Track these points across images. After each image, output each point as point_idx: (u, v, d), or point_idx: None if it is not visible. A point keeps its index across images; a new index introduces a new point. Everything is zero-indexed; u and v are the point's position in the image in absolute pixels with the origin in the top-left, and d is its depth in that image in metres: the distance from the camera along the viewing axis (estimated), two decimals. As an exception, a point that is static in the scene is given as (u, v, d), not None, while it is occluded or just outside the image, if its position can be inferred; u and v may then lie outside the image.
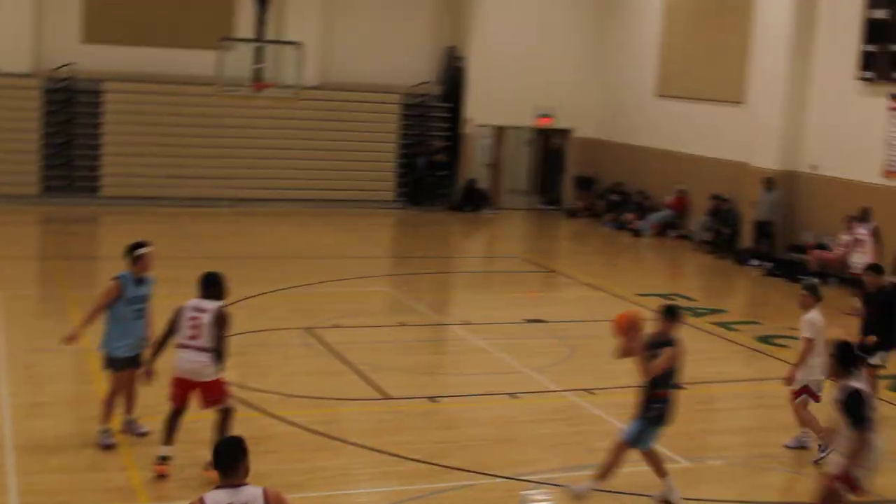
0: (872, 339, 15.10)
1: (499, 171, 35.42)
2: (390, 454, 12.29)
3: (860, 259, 21.94)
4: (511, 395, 15.18)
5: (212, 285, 11.49)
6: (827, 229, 25.90)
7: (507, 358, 17.10)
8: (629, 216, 31.88)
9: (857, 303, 17.24)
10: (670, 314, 11.67)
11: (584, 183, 35.28)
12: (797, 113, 27.06)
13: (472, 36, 33.47)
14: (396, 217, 32.20)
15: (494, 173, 35.51)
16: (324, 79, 32.42)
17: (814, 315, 13.47)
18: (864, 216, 22.12)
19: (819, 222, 26.44)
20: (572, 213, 34.34)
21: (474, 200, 33.80)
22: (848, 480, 9.89)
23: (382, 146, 32.95)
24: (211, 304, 11.30)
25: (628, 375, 15.88)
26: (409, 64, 33.71)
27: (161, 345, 11.55)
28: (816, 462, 13.00)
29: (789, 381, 13.52)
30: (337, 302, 20.43)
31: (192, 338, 11.20)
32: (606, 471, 11.32)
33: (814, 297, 13.62)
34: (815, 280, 14.89)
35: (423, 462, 12.24)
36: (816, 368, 13.30)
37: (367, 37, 33.20)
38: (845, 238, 23.90)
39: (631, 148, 33.76)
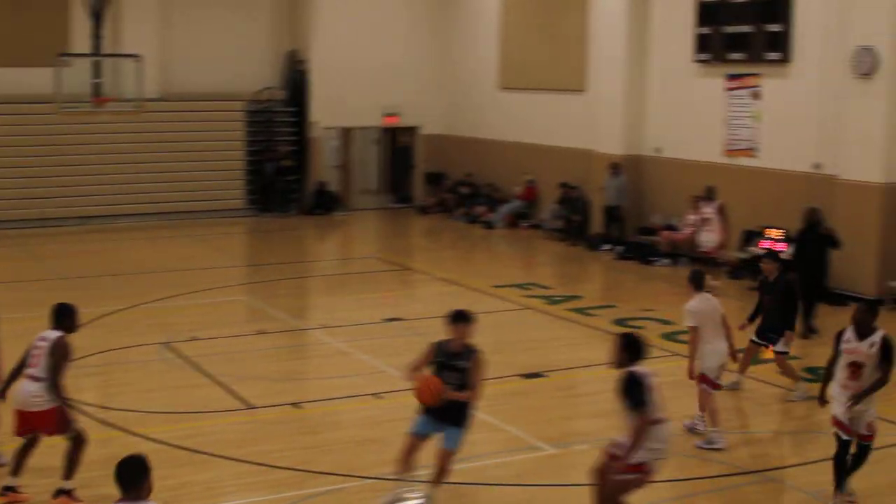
0: (792, 336, 15.63)
1: (348, 172, 35.37)
2: (257, 464, 12.19)
3: (708, 237, 22.44)
4: (375, 395, 15.17)
5: (60, 316, 11.23)
6: (675, 210, 26.41)
7: (369, 359, 17.08)
8: (480, 209, 32.10)
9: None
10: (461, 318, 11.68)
11: (434, 179, 35.43)
12: (638, 98, 27.54)
13: (312, 39, 33.32)
14: (248, 225, 31.94)
15: (344, 175, 35.45)
16: (165, 90, 31.98)
17: (694, 303, 13.60)
18: (709, 195, 22.59)
19: (666, 204, 26.94)
20: (424, 210, 34.45)
21: (325, 203, 33.69)
22: (636, 466, 9.96)
23: (229, 154, 32.64)
24: (53, 334, 11.07)
25: (491, 368, 16.01)
26: (250, 70, 33.43)
27: (14, 375, 11.31)
28: (698, 446, 13.22)
29: (690, 374, 13.65)
30: (193, 314, 20.18)
31: (31, 367, 11.02)
32: (440, 478, 11.19)
33: (693, 284, 13.78)
34: (699, 268, 15.00)
35: (291, 469, 12.16)
36: (708, 356, 13.50)
37: (206, 46, 32.84)
38: (692, 218, 24.40)
39: (478, 141, 34.00)
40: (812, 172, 23.08)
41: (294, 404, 14.73)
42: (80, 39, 29.44)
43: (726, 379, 14.66)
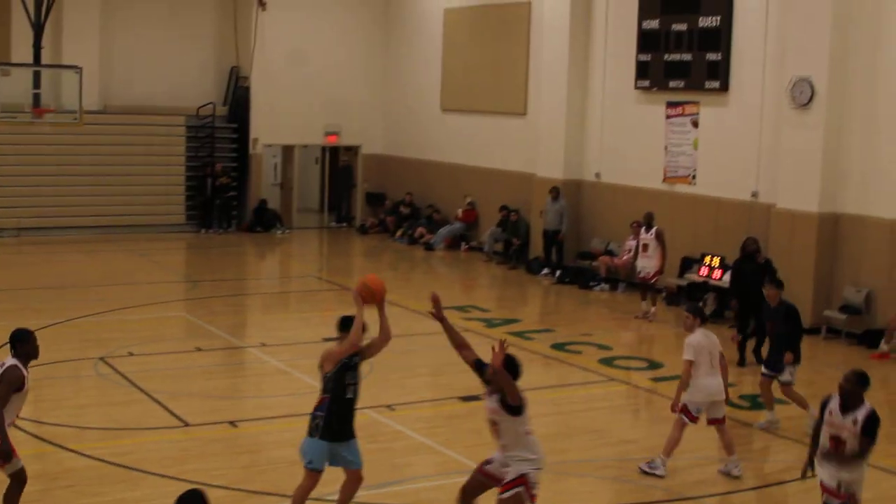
0: (790, 356, 15.22)
1: (289, 190, 35.30)
2: (192, 482, 12.08)
3: (646, 263, 22.57)
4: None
5: (14, 342, 10.54)
6: (614, 236, 26.60)
7: (307, 378, 17.00)
8: (421, 230, 32.13)
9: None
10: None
11: (375, 199, 35.46)
12: (579, 123, 27.71)
13: (255, 56, 33.26)
14: (187, 240, 31.78)
15: (285, 193, 35.40)
16: (106, 103, 31.84)
17: (694, 337, 13.46)
18: (648, 221, 22.76)
19: (606, 229, 27.13)
20: (364, 230, 34.44)
21: (265, 221, 33.60)
22: (517, 480, 10.09)
23: (170, 169, 32.50)
24: (8, 361, 10.40)
25: (428, 389, 16.05)
26: (193, 86, 33.37)
27: None
28: (641, 468, 13.26)
29: (673, 406, 13.57)
30: (130, 329, 20.04)
31: None
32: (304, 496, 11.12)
33: (696, 317, 13.64)
34: (699, 303, 14.83)
35: (227, 488, 12.10)
36: (694, 390, 13.35)
37: (148, 59, 32.76)
38: (631, 243, 24.57)
39: (419, 162, 34.07)
40: (750, 201, 23.32)
41: (231, 423, 14.66)
42: (21, 49, 29.18)
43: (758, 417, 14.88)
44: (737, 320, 19.83)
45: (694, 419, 13.47)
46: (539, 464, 10.13)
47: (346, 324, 11.29)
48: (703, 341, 13.46)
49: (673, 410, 13.57)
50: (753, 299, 18.99)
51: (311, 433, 10.96)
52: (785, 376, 15.30)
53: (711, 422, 13.55)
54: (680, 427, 13.47)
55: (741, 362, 19.04)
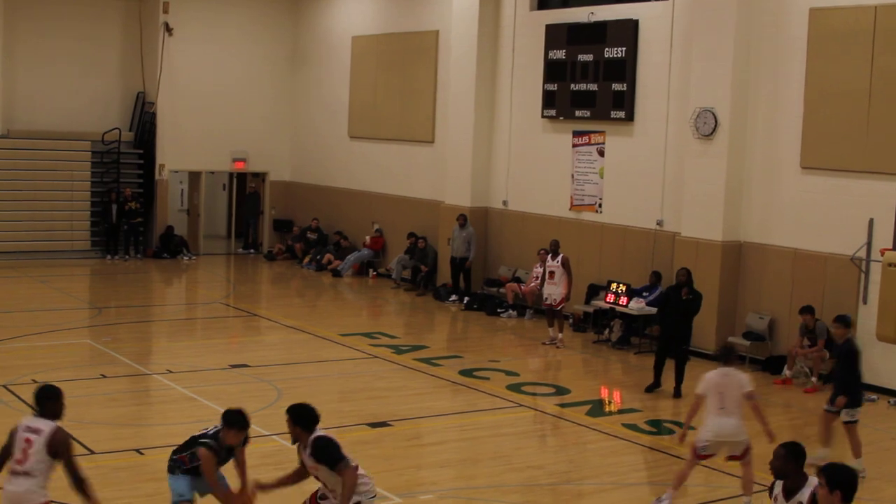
0: (842, 400, 14.98)
1: (196, 216, 35.08)
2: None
3: (552, 290, 22.74)
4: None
5: (46, 400, 9.93)
6: (521, 263, 26.79)
7: (214, 405, 16.91)
8: (328, 257, 32.09)
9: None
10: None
11: (283, 225, 35.37)
12: (486, 151, 27.89)
13: (161, 82, 33.07)
14: (92, 267, 31.41)
15: (191, 219, 35.18)
16: (9, 127, 31.44)
17: (711, 374, 13.30)
18: (554, 249, 22.94)
19: (513, 256, 27.30)
20: (272, 257, 34.33)
21: (172, 247, 33.36)
22: None
23: (75, 195, 32.12)
24: (45, 424, 9.74)
25: (335, 416, 16.02)
26: (98, 111, 33.12)
27: None
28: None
29: (680, 438, 13.53)
30: (34, 357, 19.77)
31: (20, 462, 9.63)
32: None
33: (720, 358, 13.58)
34: (731, 346, 14.39)
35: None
36: (705, 428, 13.25)
37: (53, 83, 32.43)
38: (538, 270, 24.75)
39: (327, 189, 34.06)
40: (655, 229, 23.62)
41: (137, 450, 14.51)
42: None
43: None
44: (657, 345, 19.96)
45: (699, 457, 13.32)
46: (370, 493, 10.31)
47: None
48: (717, 380, 13.21)
49: (680, 441, 13.58)
50: (673, 329, 19.18)
51: (172, 471, 11.14)
52: (844, 416, 15.07)
53: (730, 458, 13.40)
54: (689, 461, 13.35)
55: (655, 386, 19.19)
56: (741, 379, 13.33)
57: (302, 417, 10.20)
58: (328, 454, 10.05)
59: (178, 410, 16.89)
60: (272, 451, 14.89)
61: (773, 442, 12.83)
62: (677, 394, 18.98)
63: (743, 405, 13.24)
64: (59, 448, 9.61)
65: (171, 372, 19.09)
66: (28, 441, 9.65)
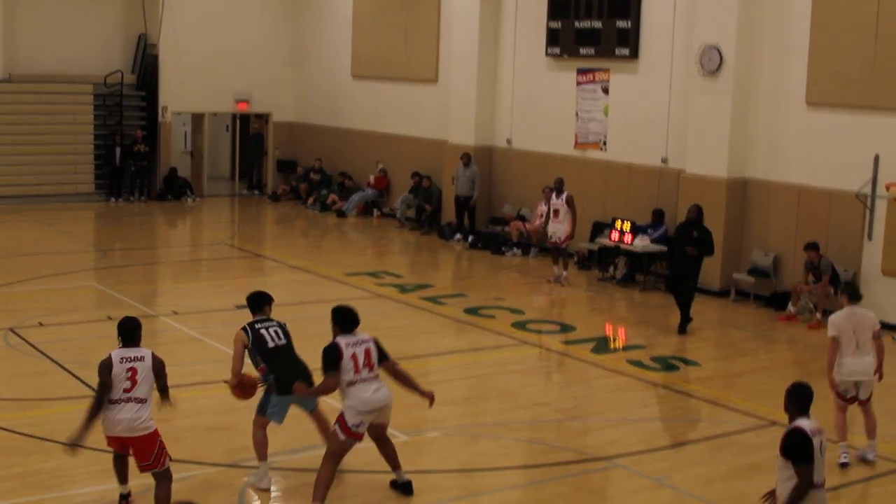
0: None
1: (199, 158, 35.02)
2: (105, 451, 12.00)
3: (557, 229, 22.73)
4: (227, 382, 15.04)
5: (137, 330, 10.78)
6: (526, 201, 26.77)
7: (220, 345, 16.97)
8: (333, 197, 32.07)
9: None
10: None
11: (286, 166, 35.32)
12: (490, 89, 27.78)
13: (163, 24, 32.88)
14: (97, 210, 31.43)
15: (195, 161, 35.13)
16: (10, 71, 31.32)
17: (837, 315, 12.94)
18: (558, 187, 22.89)
19: (517, 195, 27.28)
20: (276, 197, 34.31)
21: (176, 189, 33.33)
22: (346, 427, 10.91)
23: (78, 138, 32.07)
24: (145, 352, 10.64)
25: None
26: (100, 54, 32.95)
27: (99, 404, 10.42)
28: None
29: (831, 385, 12.85)
30: (40, 300, 19.83)
31: (129, 390, 10.37)
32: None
33: (845, 295, 13.06)
34: (853, 280, 13.70)
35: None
36: (840, 370, 12.81)
37: (54, 27, 32.25)
38: (543, 209, 24.73)
39: (331, 130, 33.97)
40: (660, 166, 23.57)
41: (144, 391, 14.56)
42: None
43: None
44: (669, 284, 19.93)
45: (844, 399, 12.80)
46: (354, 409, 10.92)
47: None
48: (848, 320, 12.84)
49: (831, 388, 12.89)
50: (681, 265, 19.18)
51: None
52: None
53: (852, 400, 12.90)
54: (838, 408, 12.91)
55: (685, 322, 19.22)
56: (871, 317, 13.02)
57: (339, 318, 11.41)
58: (323, 359, 11.07)
59: (185, 351, 16.95)
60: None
61: (879, 380, 12.94)
62: (683, 330, 19.03)
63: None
64: (161, 369, 10.60)
65: (176, 313, 19.14)
66: (133, 370, 10.40)
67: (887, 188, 19.05)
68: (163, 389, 10.71)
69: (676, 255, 19.44)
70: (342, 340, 11.16)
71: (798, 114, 21.11)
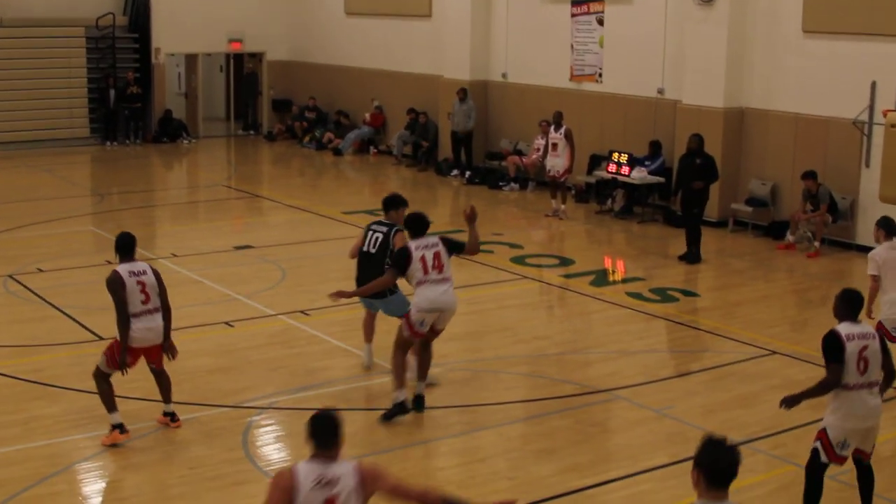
0: None
1: (194, 99, 34.85)
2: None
3: (556, 163, 22.69)
4: (227, 323, 15.14)
5: (133, 245, 11.39)
6: (522, 135, 26.70)
7: (220, 287, 17.01)
8: (329, 135, 31.98)
9: None
10: None
11: (281, 106, 35.17)
12: (484, 23, 27.61)
13: (154, -37, 32.65)
14: (92, 154, 31.35)
15: (190, 102, 34.96)
16: (2, 15, 31.10)
17: (877, 250, 12.66)
18: (557, 121, 22.83)
19: (514, 129, 27.20)
20: (272, 137, 34.21)
21: (171, 131, 33.21)
22: (409, 323, 11.71)
23: (71, 81, 31.90)
24: (146, 266, 11.31)
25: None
26: (90, -5, 32.72)
27: (126, 320, 10.99)
28: None
29: (867, 314, 12.13)
30: (39, 246, 19.80)
31: (146, 303, 11.03)
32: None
33: (882, 230, 12.74)
34: (889, 216, 13.36)
35: (144, 399, 12.08)
36: (885, 306, 12.50)
37: (44, -31, 32.00)
38: (540, 142, 24.69)
39: (325, 67, 33.80)
40: (656, 97, 23.49)
41: (145, 334, 14.58)
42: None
43: None
44: (682, 214, 19.86)
45: (891, 337, 11.97)
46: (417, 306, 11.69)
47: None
48: (887, 254, 12.59)
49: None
50: (687, 195, 19.20)
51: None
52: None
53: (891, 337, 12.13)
54: None
55: (693, 259, 19.24)
56: None
57: (410, 223, 12.10)
58: (393, 258, 12.00)
59: (184, 293, 16.92)
60: (279, 329, 15.01)
61: None
62: (696, 258, 19.09)
63: None
64: (161, 280, 11.28)
65: (175, 256, 19.15)
66: (142, 283, 10.97)
67: (884, 114, 18.97)
68: (165, 304, 11.20)
69: (683, 185, 19.41)
70: (412, 244, 11.81)
71: (794, 41, 21.00)
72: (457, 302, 11.97)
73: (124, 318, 10.83)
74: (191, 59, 34.74)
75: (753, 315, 16.08)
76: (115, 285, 10.86)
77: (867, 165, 19.79)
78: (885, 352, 9.19)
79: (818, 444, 9.15)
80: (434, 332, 11.97)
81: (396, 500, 6.55)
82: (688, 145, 19.45)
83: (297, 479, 6.31)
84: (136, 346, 10.97)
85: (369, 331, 13.34)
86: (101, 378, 11.03)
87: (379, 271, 12.36)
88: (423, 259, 11.63)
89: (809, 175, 19.82)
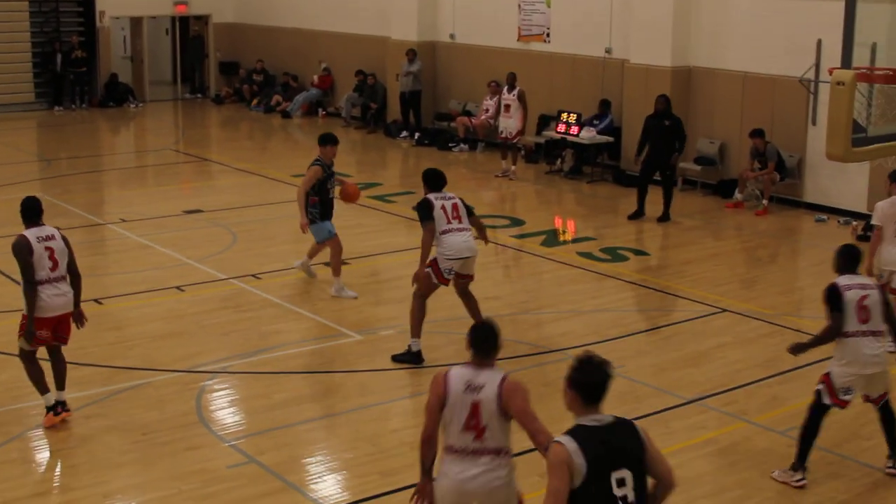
0: None
1: (140, 63, 34.52)
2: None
3: (508, 123, 22.73)
4: (178, 288, 15.08)
5: (40, 210, 10.81)
6: (471, 96, 26.67)
7: (170, 251, 16.93)
8: (277, 98, 31.82)
9: None
10: None
11: (229, 68, 34.93)
12: (432, -16, 27.56)
13: (97, -76, 32.26)
14: (38, 119, 31.03)
15: (136, 66, 34.63)
16: (-58, -21, 30.71)
17: (883, 202, 12.80)
18: (510, 82, 22.84)
19: (463, 90, 27.16)
20: (220, 100, 33.98)
21: (118, 95, 32.91)
22: (438, 272, 12.30)
23: (15, 46, 31.55)
24: (54, 230, 10.73)
25: (292, 256, 16.07)
26: (34, -42, 32.30)
27: (34, 286, 10.44)
28: None
29: (867, 271, 12.40)
30: (-16, 212, 19.60)
31: (54, 270, 10.49)
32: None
33: (893, 183, 12.94)
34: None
35: (95, 366, 12.05)
36: (883, 258, 12.63)
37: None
38: (489, 103, 24.69)
39: (272, 30, 33.59)
40: (604, 57, 23.50)
41: (96, 300, 14.50)
42: None
43: None
44: (640, 174, 19.90)
45: (890, 289, 12.04)
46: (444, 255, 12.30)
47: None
48: (891, 208, 12.72)
49: (867, 275, 12.03)
50: (655, 155, 19.25)
51: (313, 221, 14.65)
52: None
53: (885, 286, 11.72)
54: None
55: (639, 214, 19.41)
56: None
57: (428, 178, 12.61)
58: (418, 212, 12.41)
59: (135, 258, 16.88)
60: (231, 293, 14.97)
61: None
62: (665, 217, 19.19)
63: None
64: (69, 245, 10.79)
65: (124, 221, 19.04)
66: (50, 249, 10.47)
67: (830, 72, 19.05)
68: (75, 273, 10.71)
69: (650, 146, 19.41)
70: (432, 196, 12.39)
71: (741, 0, 21.08)
72: (477, 249, 12.59)
73: (31, 285, 10.30)
74: (136, 23, 34.39)
75: (703, 273, 16.20)
76: (22, 250, 10.34)
77: (814, 123, 19.93)
78: (886, 303, 9.65)
79: (821, 387, 9.59)
80: (462, 278, 12.62)
81: (518, 423, 7.00)
82: (655, 106, 19.49)
83: (449, 383, 7.01)
84: (46, 315, 10.41)
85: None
86: (26, 358, 10.56)
87: (324, 203, 14.78)
88: (443, 208, 12.24)
89: (757, 133, 19.94)
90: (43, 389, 10.61)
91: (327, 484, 9.67)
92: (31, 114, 31.33)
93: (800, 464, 9.62)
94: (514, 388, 6.99)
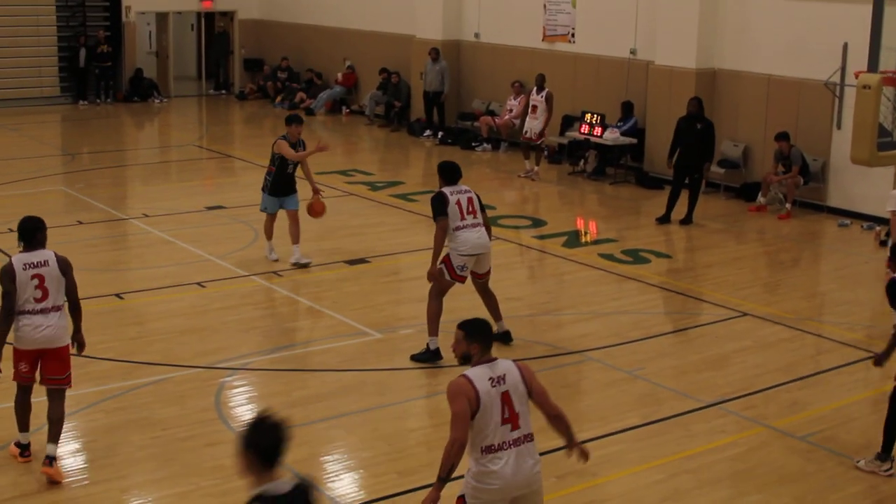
0: None
1: (165, 58, 34.62)
2: (80, 356, 12.01)
3: (534, 124, 22.69)
4: (199, 284, 15.10)
5: (40, 231, 9.64)
6: (495, 96, 26.64)
7: (192, 247, 16.96)
8: (301, 95, 31.85)
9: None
10: None
11: (253, 65, 34.99)
12: (457, -18, 27.55)
13: (124, -81, 32.36)
14: (63, 113, 31.12)
15: (161, 61, 34.73)
16: (-30, -28, 30.83)
17: None
18: (539, 83, 22.81)
19: (487, 89, 27.13)
20: (244, 97, 34.03)
21: (142, 90, 32.99)
22: (451, 268, 12.24)
23: (41, 40, 31.64)
24: (50, 255, 9.57)
25: (315, 255, 16.09)
26: (61, -48, 32.40)
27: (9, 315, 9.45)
28: None
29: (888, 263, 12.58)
30: (8, 206, 19.60)
31: (42, 300, 9.43)
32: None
33: None
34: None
35: (116, 360, 12.08)
36: None
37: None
38: (512, 103, 24.66)
39: (297, 27, 33.62)
40: (628, 58, 23.45)
41: (117, 295, 14.56)
42: None
43: None
44: (673, 177, 19.79)
45: None
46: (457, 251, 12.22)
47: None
48: None
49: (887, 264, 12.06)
50: (685, 158, 19.12)
51: (263, 189, 15.97)
52: None
53: None
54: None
55: (666, 219, 19.27)
56: None
57: (444, 171, 12.43)
58: (433, 206, 12.18)
59: (156, 254, 16.91)
60: (252, 290, 14.98)
61: None
62: (688, 220, 19.09)
63: None
64: (68, 269, 9.71)
65: (147, 216, 19.07)
66: (39, 277, 9.41)
67: (856, 76, 18.98)
68: (73, 303, 9.74)
69: (681, 148, 19.27)
70: (447, 189, 12.25)
71: (767, 2, 20.98)
72: (490, 245, 12.47)
73: (7, 313, 9.32)
74: (161, 18, 34.49)
75: (725, 277, 16.15)
76: (3, 277, 9.39)
77: (839, 127, 19.83)
78: None
79: None
80: (478, 276, 12.57)
81: (536, 403, 7.22)
82: (688, 108, 19.35)
83: (475, 385, 7.03)
84: (23, 347, 9.45)
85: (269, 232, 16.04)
86: (18, 388, 9.71)
87: (279, 178, 15.86)
88: (458, 203, 12.14)
89: (782, 136, 19.85)
90: (22, 427, 9.79)
91: (344, 482, 9.68)
92: (56, 108, 31.43)
93: (886, 454, 9.74)
94: (529, 368, 7.29)
